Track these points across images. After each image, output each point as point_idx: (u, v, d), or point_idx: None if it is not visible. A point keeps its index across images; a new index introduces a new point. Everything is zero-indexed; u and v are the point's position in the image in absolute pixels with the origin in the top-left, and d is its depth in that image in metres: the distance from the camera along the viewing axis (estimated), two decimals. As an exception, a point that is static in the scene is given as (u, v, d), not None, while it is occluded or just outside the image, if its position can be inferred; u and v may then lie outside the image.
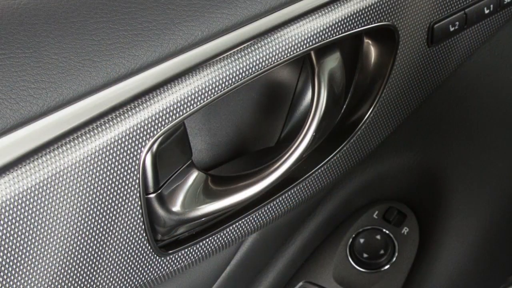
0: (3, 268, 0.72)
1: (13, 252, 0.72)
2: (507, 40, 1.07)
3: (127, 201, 0.78)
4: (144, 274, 0.84)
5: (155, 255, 0.84)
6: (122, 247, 0.80)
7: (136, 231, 0.80)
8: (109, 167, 0.75)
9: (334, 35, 0.86)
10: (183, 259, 0.88)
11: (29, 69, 0.72)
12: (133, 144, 0.76)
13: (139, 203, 0.79)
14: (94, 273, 0.79)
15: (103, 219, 0.77)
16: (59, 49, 0.74)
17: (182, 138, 0.82)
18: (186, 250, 0.88)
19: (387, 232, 1.13)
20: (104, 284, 0.81)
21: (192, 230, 0.88)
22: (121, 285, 0.83)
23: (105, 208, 0.77)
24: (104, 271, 0.80)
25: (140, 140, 0.76)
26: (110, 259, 0.80)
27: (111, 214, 0.78)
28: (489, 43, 1.06)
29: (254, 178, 0.87)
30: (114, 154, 0.75)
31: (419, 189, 1.15)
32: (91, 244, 0.78)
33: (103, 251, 0.79)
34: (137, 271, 0.83)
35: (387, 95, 0.98)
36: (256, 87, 0.96)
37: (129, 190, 0.78)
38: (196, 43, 0.78)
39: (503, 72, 1.10)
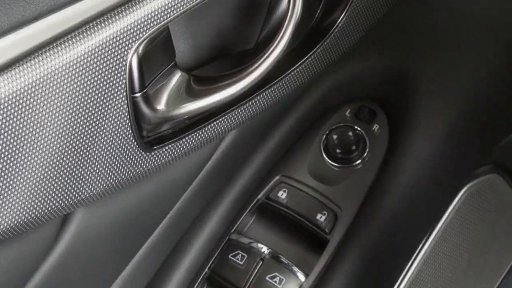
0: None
1: (7, 147, 0.73)
2: None
3: (114, 100, 0.79)
4: (131, 168, 0.86)
5: (141, 151, 0.85)
6: (110, 143, 0.82)
7: (123, 128, 0.82)
8: (97, 68, 0.76)
9: None
10: (167, 154, 0.89)
11: (22, -25, 0.71)
12: (120, 47, 0.76)
13: (126, 102, 0.80)
14: (84, 167, 0.81)
15: (93, 117, 0.78)
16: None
17: (166, 41, 0.82)
18: (170, 146, 0.89)
19: (358, 129, 1.14)
20: (93, 177, 0.82)
21: (176, 127, 0.89)
22: (109, 179, 0.84)
23: (94, 107, 0.78)
24: (93, 165, 0.82)
25: (127, 42, 0.76)
26: (99, 154, 0.81)
27: (100, 113, 0.79)
28: None
29: (234, 78, 0.87)
30: (103, 56, 0.76)
31: (389, 89, 1.15)
32: (81, 141, 0.79)
33: (92, 147, 0.80)
34: (124, 166, 0.85)
35: (359, 0, 0.98)
36: (235, -8, 0.95)
37: (116, 90, 0.79)
38: None
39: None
